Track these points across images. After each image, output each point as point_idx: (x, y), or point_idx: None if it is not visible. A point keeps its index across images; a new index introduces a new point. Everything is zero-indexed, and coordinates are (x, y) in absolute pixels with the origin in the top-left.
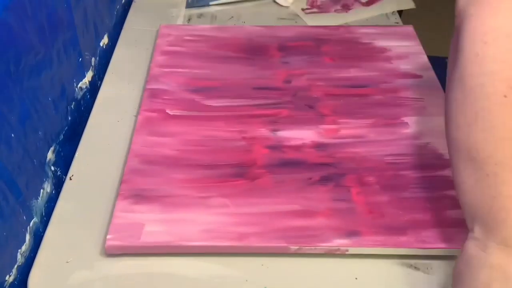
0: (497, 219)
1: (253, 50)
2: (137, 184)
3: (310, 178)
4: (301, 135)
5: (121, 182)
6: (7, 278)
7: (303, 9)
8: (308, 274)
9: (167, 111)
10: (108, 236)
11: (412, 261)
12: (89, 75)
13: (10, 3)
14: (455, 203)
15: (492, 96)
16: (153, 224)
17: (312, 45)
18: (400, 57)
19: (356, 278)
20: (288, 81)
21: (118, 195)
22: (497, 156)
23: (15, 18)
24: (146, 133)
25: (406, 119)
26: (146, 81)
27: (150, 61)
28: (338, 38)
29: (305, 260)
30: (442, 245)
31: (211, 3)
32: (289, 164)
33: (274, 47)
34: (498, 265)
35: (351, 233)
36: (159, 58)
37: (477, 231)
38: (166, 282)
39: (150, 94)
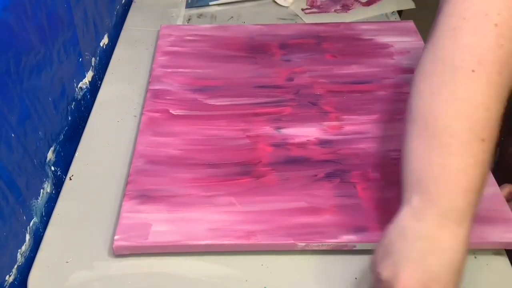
0: (441, 190)
1: (254, 48)
2: (143, 184)
3: (316, 175)
4: (305, 132)
5: (127, 182)
6: (7, 278)
7: (303, 9)
8: (308, 274)
9: (171, 111)
10: (116, 237)
11: None
12: (89, 75)
13: (10, 3)
14: None
15: (460, 69)
16: (160, 224)
17: (313, 43)
18: (401, 52)
19: (356, 278)
20: (290, 79)
21: (124, 195)
22: (453, 127)
23: (15, 18)
24: (150, 133)
25: None
26: (149, 82)
27: (152, 61)
28: (339, 35)
29: (305, 260)
30: None
31: (211, 3)
32: (294, 162)
33: (275, 45)
34: (435, 236)
35: (358, 229)
36: (161, 59)
37: (415, 201)
38: (166, 282)
39: (153, 95)
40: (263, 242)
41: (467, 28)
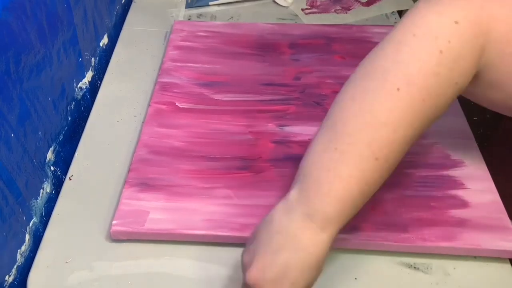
0: (318, 191)
1: (264, 46)
2: (144, 173)
3: None
4: (308, 131)
5: (129, 170)
6: (7, 278)
7: (303, 9)
8: None
9: (177, 104)
10: (114, 222)
11: (412, 261)
12: (89, 75)
13: (10, 3)
14: (459, 203)
15: (387, 83)
16: (158, 212)
17: (323, 43)
18: None
19: (355, 278)
20: (297, 78)
21: (125, 183)
22: (354, 137)
23: (15, 18)
24: (155, 124)
25: None
26: (158, 75)
27: (163, 57)
28: (350, 36)
29: None
30: (443, 244)
31: (210, 3)
32: (294, 159)
33: (285, 45)
34: (294, 234)
35: (352, 228)
36: (172, 53)
37: (293, 195)
38: (166, 282)
39: (161, 87)
40: None
41: (411, 46)
